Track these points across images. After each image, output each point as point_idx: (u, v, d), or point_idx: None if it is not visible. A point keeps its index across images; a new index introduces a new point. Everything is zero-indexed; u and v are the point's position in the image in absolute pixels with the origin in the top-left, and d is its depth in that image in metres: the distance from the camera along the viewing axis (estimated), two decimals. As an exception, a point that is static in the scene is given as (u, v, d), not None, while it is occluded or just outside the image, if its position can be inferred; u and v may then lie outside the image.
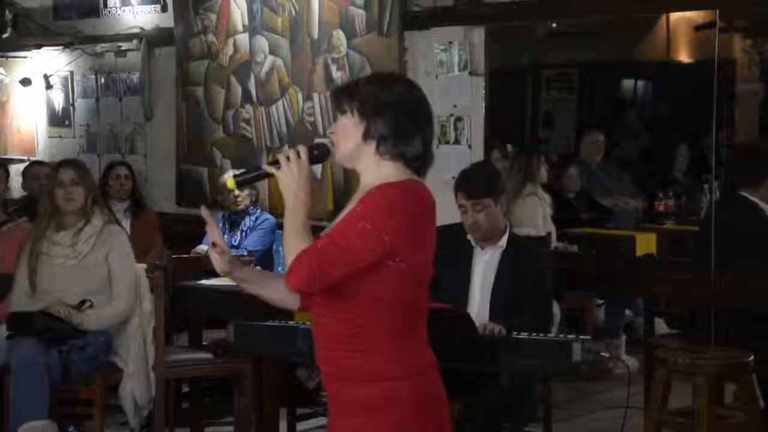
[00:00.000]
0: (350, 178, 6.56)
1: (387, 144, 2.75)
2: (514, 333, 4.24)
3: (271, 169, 2.77)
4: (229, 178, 2.85)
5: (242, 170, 2.88)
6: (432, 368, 2.83)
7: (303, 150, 2.76)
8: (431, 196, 2.79)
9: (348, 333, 2.74)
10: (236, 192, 6.56)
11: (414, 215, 2.72)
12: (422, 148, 2.79)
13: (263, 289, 2.94)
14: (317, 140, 6.72)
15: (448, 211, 5.22)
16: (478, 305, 4.60)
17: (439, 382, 2.84)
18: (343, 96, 2.79)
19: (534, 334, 4.20)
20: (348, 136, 2.77)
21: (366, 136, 2.75)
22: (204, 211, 2.92)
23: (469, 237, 4.67)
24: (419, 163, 2.79)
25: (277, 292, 2.91)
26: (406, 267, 2.71)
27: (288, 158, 2.74)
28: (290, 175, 2.73)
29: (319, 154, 2.79)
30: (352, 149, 2.78)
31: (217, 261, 2.88)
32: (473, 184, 4.62)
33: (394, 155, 2.76)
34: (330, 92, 2.73)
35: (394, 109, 2.75)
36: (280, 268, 5.59)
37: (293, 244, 2.70)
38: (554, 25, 6.89)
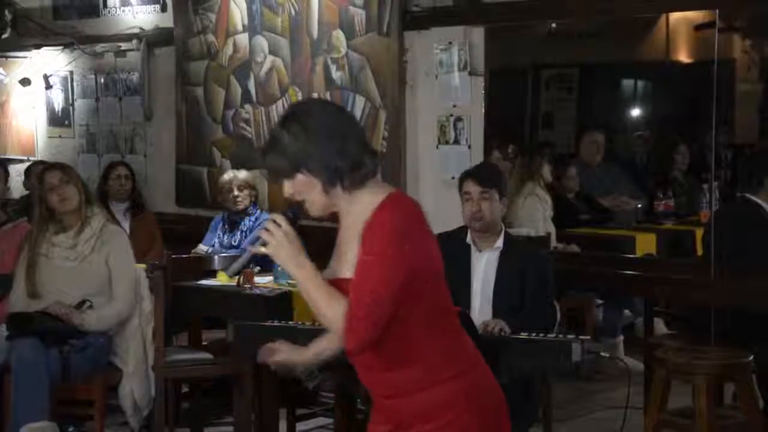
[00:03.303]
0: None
1: (348, 178, 2.70)
2: (513, 333, 4.24)
3: (260, 250, 2.72)
4: (221, 274, 2.80)
5: (235, 263, 2.83)
6: (478, 362, 2.82)
7: (280, 218, 2.71)
8: (414, 200, 2.77)
9: (387, 355, 2.71)
10: (236, 193, 6.56)
11: (416, 227, 2.70)
12: (370, 151, 2.76)
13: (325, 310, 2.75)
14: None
15: (447, 211, 5.25)
16: (480, 307, 4.60)
17: (489, 375, 2.83)
18: (279, 163, 2.72)
19: (534, 334, 4.20)
20: (311, 192, 2.73)
21: (326, 187, 2.71)
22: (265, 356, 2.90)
23: (468, 240, 4.68)
24: (377, 164, 2.77)
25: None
26: (426, 276, 2.69)
27: (270, 232, 2.69)
28: (282, 248, 2.68)
29: (296, 215, 2.74)
30: (323, 202, 2.74)
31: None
32: (483, 173, 4.73)
33: (359, 182, 2.71)
34: (262, 158, 2.68)
35: (330, 146, 2.68)
36: (279, 268, 5.57)
37: (328, 307, 2.64)
38: (554, 25, 6.88)
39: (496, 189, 4.62)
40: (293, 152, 2.68)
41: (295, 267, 2.68)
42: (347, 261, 2.70)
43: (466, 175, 4.73)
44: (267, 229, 2.69)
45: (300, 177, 2.71)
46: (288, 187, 2.75)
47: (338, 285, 2.68)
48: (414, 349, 2.71)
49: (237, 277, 5.63)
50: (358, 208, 2.71)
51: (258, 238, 2.72)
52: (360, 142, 2.75)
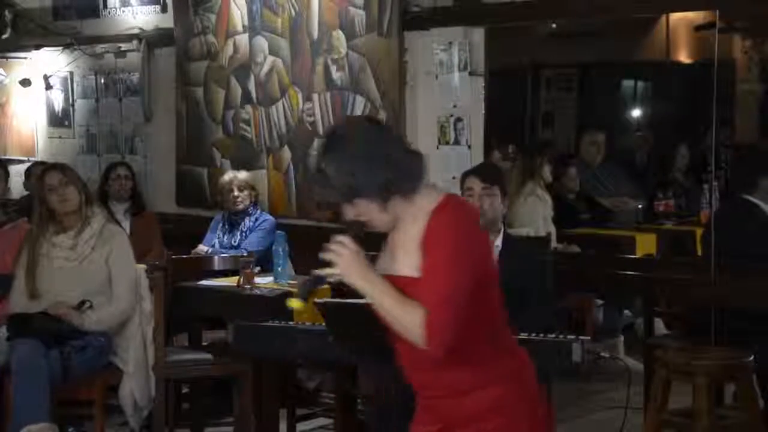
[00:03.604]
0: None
1: (401, 189, 2.73)
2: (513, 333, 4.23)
3: (330, 271, 2.75)
4: (294, 302, 2.80)
5: (302, 286, 2.82)
6: (528, 365, 2.87)
7: (346, 239, 2.74)
8: (467, 201, 2.80)
9: (446, 355, 2.71)
10: (236, 193, 6.56)
11: (474, 228, 2.76)
12: (413, 153, 2.80)
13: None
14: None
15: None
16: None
17: (534, 381, 2.86)
18: (331, 196, 2.76)
19: (534, 334, 4.20)
20: (371, 214, 2.76)
21: (383, 205, 2.74)
22: None
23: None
24: (424, 164, 2.80)
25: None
26: (484, 276, 2.74)
27: (336, 253, 2.73)
28: (350, 266, 2.72)
29: (360, 233, 2.78)
30: (385, 219, 2.77)
31: None
32: (485, 170, 4.76)
33: (412, 188, 2.75)
34: (318, 196, 2.75)
35: (374, 166, 2.70)
36: (279, 268, 5.59)
37: (405, 315, 2.67)
38: (554, 25, 6.89)
39: (498, 186, 4.63)
40: (341, 184, 2.72)
41: (366, 283, 2.71)
42: (402, 262, 2.74)
43: (469, 173, 4.76)
44: (334, 251, 2.73)
45: (356, 203, 2.74)
46: (349, 212, 2.77)
47: (394, 282, 2.72)
48: (471, 350, 2.74)
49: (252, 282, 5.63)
50: (412, 210, 2.74)
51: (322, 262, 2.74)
52: (401, 149, 2.77)
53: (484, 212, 4.62)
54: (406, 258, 2.73)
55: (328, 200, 2.78)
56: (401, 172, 2.72)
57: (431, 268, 2.66)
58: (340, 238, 2.75)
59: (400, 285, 2.71)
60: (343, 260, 2.72)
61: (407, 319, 2.66)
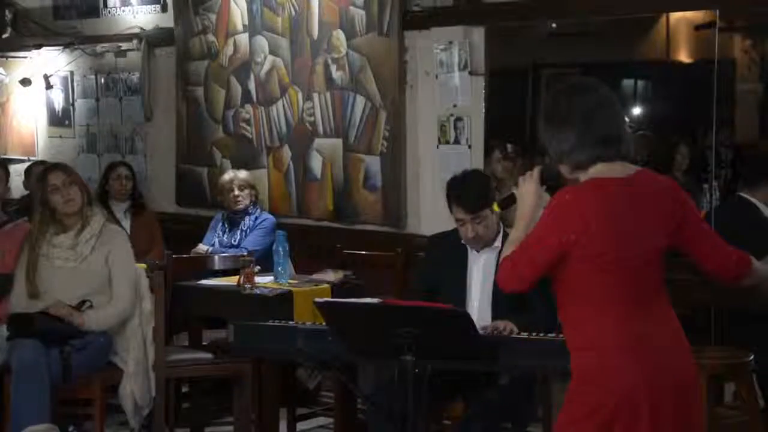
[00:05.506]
0: (350, 178, 6.56)
1: (566, 161, 3.10)
2: (520, 333, 4.24)
3: (513, 190, 3.30)
4: (495, 204, 3.67)
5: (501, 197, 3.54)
6: (616, 345, 3.04)
7: (536, 173, 3.25)
8: (619, 189, 3.07)
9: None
10: (236, 192, 6.57)
11: (590, 211, 2.99)
12: (605, 141, 3.07)
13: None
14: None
15: (448, 211, 5.23)
16: (479, 307, 4.60)
17: (624, 360, 3.03)
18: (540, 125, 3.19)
19: (534, 334, 4.20)
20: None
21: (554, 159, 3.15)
22: None
23: (464, 241, 4.68)
24: (609, 152, 3.09)
25: None
26: (589, 258, 2.99)
27: (524, 178, 3.26)
28: (526, 193, 3.25)
29: (547, 176, 3.24)
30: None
31: None
32: (470, 198, 4.57)
33: (575, 167, 3.09)
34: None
35: (558, 134, 3.08)
36: (279, 268, 5.59)
37: (507, 247, 3.17)
38: (554, 25, 6.89)
39: (485, 209, 4.56)
40: (541, 117, 3.16)
41: (524, 210, 3.22)
42: None
43: (454, 202, 4.61)
44: (524, 176, 3.26)
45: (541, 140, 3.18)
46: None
47: None
48: (576, 316, 3.08)
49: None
50: (575, 180, 3.11)
51: None
52: (592, 135, 3.05)
53: (480, 237, 4.61)
54: None
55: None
56: (569, 152, 3.06)
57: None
58: (536, 168, 3.25)
59: None
60: (524, 184, 3.26)
61: (505, 253, 3.15)
